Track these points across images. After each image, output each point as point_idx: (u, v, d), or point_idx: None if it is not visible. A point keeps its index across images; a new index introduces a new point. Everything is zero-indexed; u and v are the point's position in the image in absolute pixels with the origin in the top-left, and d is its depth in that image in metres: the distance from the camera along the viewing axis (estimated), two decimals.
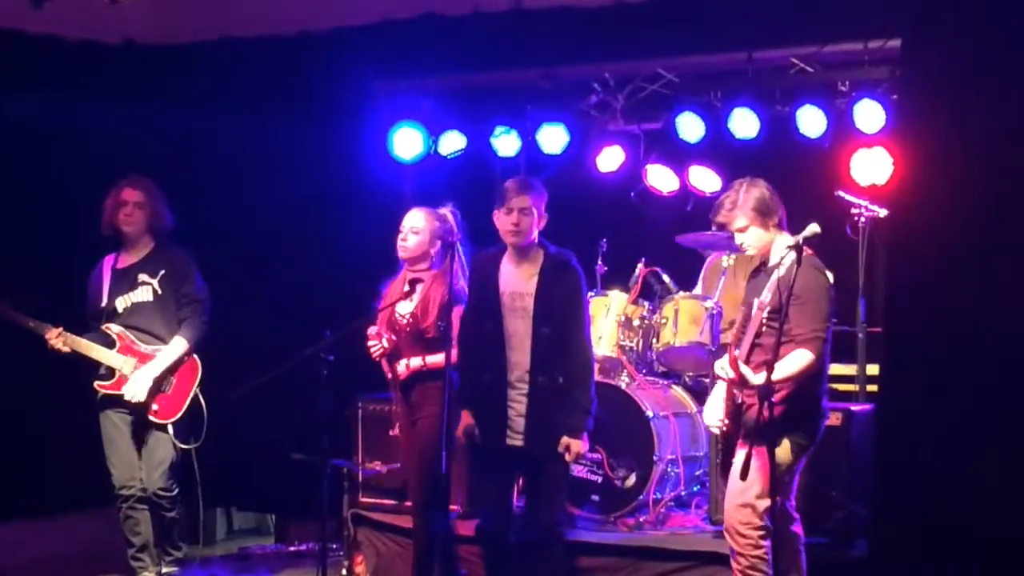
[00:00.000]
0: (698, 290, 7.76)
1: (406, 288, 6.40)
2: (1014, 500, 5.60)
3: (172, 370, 6.89)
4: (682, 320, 7.35)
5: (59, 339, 6.81)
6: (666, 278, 7.70)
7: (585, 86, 8.23)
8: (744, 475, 5.42)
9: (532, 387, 5.95)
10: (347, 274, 8.03)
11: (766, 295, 5.38)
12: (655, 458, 7.06)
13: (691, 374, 7.70)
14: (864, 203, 7.45)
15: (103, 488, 7.00)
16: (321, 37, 8.31)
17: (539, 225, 6.07)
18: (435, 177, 8.35)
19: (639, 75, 8.06)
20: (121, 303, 6.92)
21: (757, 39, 7.51)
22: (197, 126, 8.29)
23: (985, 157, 5.74)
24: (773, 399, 5.32)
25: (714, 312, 7.30)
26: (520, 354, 5.98)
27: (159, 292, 6.94)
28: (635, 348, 7.47)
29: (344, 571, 7.44)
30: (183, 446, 6.90)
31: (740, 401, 5.57)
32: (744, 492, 5.55)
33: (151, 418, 6.87)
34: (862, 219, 7.47)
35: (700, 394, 7.29)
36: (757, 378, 5.39)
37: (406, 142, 8.37)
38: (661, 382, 7.59)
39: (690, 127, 7.82)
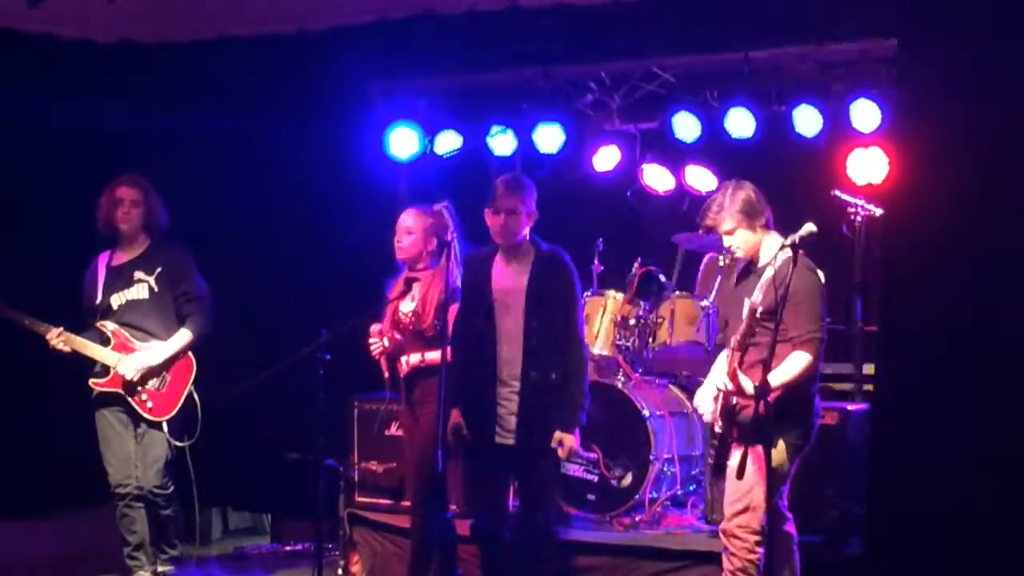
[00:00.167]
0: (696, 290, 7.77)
1: (403, 288, 6.41)
2: (1009, 500, 5.60)
3: (170, 363, 6.89)
4: (678, 320, 7.36)
5: (60, 339, 6.82)
6: (662, 278, 7.70)
7: (581, 85, 8.22)
8: (741, 474, 5.41)
9: (524, 384, 5.95)
10: (343, 273, 8.04)
11: (757, 295, 5.36)
12: (651, 457, 7.06)
13: (687, 373, 7.70)
14: (860, 202, 7.44)
15: (100, 488, 7.00)
16: (318, 37, 8.31)
17: (529, 223, 6.06)
18: (431, 177, 8.35)
19: (635, 74, 8.07)
20: (116, 300, 6.92)
21: (753, 38, 7.51)
22: (193, 126, 8.29)
23: (981, 157, 5.73)
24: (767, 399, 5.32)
25: (710, 311, 7.31)
26: (512, 351, 5.98)
27: (155, 290, 6.94)
28: (631, 347, 7.47)
29: (340, 571, 7.45)
30: (178, 444, 6.90)
31: (734, 402, 5.57)
32: (741, 495, 5.55)
33: (146, 416, 6.88)
34: (858, 218, 7.46)
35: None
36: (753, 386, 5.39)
37: (402, 141, 8.37)
38: (657, 381, 7.59)
39: (686, 126, 7.82)
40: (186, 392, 6.92)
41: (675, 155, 8.17)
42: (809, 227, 5.37)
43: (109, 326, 6.91)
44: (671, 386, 7.62)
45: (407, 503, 6.86)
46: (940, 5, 5.96)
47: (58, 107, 7.95)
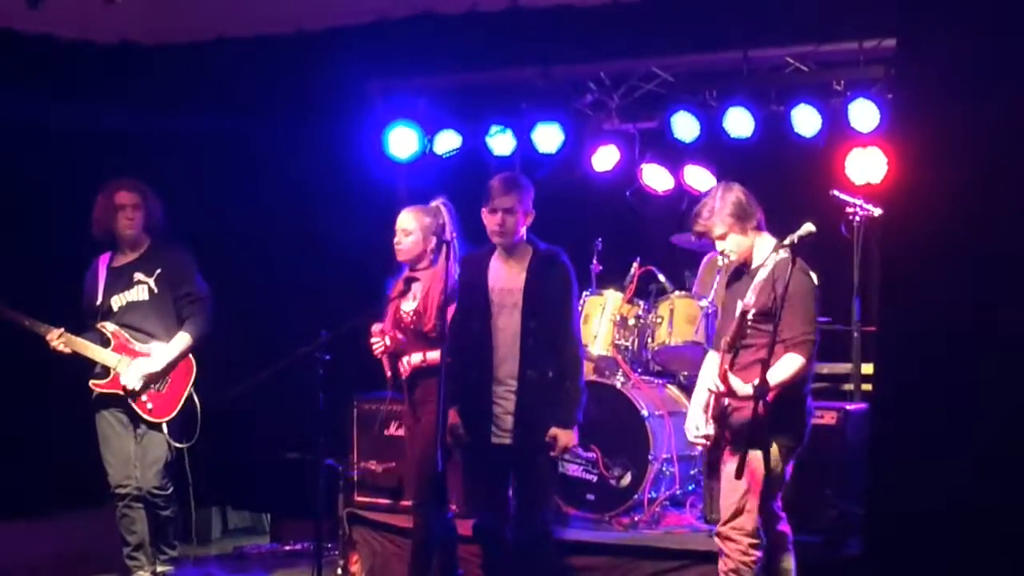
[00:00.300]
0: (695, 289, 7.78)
1: (403, 288, 6.41)
2: (1009, 500, 5.60)
3: (172, 366, 6.89)
4: (677, 319, 7.35)
5: (60, 340, 6.83)
6: (661, 277, 7.71)
7: (581, 85, 8.23)
8: (740, 474, 5.41)
9: (521, 383, 5.94)
10: (342, 273, 8.04)
11: (750, 297, 5.35)
12: (650, 457, 7.07)
13: (686, 373, 7.69)
14: (859, 202, 7.45)
15: (100, 488, 7.01)
16: (317, 37, 8.31)
17: (526, 222, 6.06)
18: (430, 176, 8.34)
19: (634, 74, 8.07)
20: (116, 302, 6.93)
21: (752, 38, 7.52)
22: (193, 126, 8.30)
23: (981, 156, 5.72)
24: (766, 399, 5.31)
25: (709, 311, 7.31)
26: (509, 350, 5.97)
27: (155, 291, 6.95)
28: (630, 347, 7.47)
29: (339, 571, 7.45)
30: (177, 445, 6.91)
31: (726, 404, 5.56)
32: (736, 498, 5.55)
33: (145, 417, 6.88)
34: (857, 218, 7.46)
35: None
36: (746, 388, 5.38)
37: (402, 141, 8.37)
38: (656, 381, 7.59)
39: (685, 126, 7.83)
40: (186, 394, 6.92)
41: (674, 155, 8.17)
42: (808, 227, 5.36)
43: (109, 327, 6.91)
44: (670, 386, 7.62)
45: (406, 503, 6.87)
46: (940, 5, 5.95)
47: (58, 108, 7.95)
